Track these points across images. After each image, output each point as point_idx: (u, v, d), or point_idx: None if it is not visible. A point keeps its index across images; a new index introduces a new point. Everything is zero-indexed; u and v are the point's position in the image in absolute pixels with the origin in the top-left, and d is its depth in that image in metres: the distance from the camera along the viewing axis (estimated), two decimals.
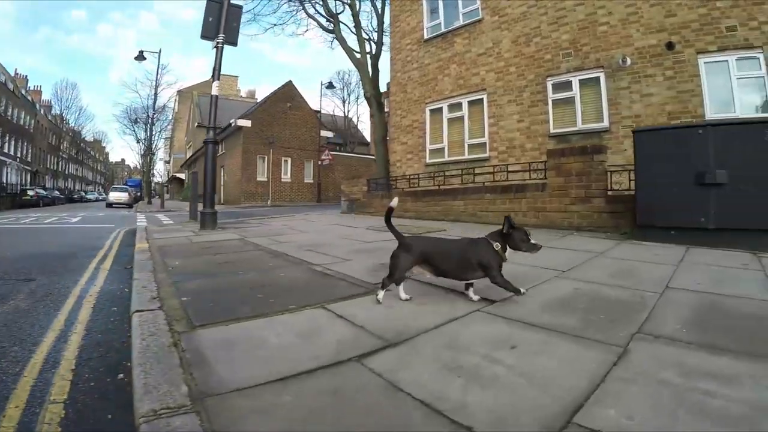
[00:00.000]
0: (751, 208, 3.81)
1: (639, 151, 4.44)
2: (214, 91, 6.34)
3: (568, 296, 2.29)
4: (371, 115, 18.16)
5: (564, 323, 1.83)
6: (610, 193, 5.38)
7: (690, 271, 2.91)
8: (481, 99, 9.32)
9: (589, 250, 3.81)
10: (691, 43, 6.72)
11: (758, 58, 6.39)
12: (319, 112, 27.20)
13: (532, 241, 2.07)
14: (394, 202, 2.17)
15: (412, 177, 9.11)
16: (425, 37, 10.65)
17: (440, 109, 10.18)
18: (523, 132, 8.55)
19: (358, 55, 15.74)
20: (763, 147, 3.82)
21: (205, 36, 6.23)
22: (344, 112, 42.89)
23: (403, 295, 2.14)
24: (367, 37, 16.30)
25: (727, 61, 6.55)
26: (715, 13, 6.58)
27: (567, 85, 8.05)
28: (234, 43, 6.42)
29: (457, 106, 9.85)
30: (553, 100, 8.24)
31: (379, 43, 15.88)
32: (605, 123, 7.47)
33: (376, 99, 15.22)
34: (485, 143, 9.18)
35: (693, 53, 6.73)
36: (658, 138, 4.38)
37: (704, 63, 6.69)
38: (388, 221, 2.14)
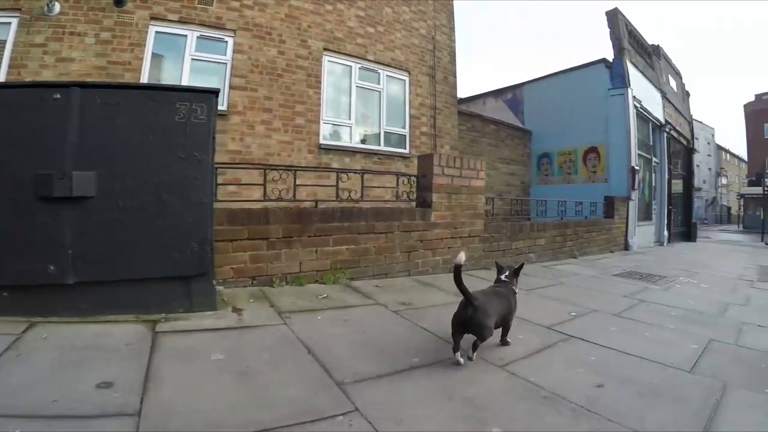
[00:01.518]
0: (141, 240, 2.18)
1: None
2: None
3: None
4: None
5: None
6: None
7: None
8: None
9: None
10: (149, 5, 5.14)
11: (227, 42, 5.44)
12: None
13: None
14: (461, 258, 1.76)
15: None
16: None
17: None
18: None
19: None
20: (174, 131, 2.23)
21: None
22: None
23: (462, 360, 1.83)
24: None
25: (186, 36, 5.31)
26: None
27: None
28: None
29: None
30: None
31: None
32: None
33: None
34: None
35: (146, 17, 5.14)
36: None
37: (156, 32, 5.22)
38: (458, 281, 1.76)
